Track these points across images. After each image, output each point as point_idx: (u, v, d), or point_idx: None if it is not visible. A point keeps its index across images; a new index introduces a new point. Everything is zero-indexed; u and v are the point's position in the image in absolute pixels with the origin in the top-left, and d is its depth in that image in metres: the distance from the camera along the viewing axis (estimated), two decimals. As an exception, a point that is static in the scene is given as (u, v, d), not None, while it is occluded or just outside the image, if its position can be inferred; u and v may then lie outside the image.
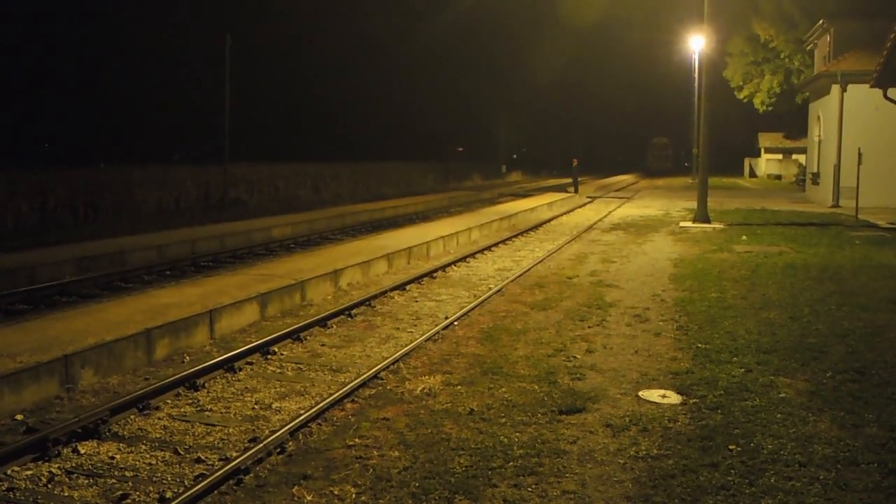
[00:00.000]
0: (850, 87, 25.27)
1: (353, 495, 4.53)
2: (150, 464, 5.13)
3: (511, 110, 79.04)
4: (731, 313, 9.25)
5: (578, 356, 7.43)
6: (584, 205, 30.91)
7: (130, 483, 4.81)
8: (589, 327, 8.65)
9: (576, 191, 37.80)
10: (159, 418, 6.00)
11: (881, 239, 16.97)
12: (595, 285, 11.31)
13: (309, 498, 4.52)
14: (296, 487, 4.66)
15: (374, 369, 6.97)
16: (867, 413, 5.81)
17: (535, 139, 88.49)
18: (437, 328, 8.63)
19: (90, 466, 5.09)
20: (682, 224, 20.74)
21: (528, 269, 13.06)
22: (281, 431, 5.42)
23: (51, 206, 21.41)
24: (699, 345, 7.79)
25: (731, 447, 5.17)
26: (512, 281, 11.89)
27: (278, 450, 5.23)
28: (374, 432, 5.52)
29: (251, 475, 4.86)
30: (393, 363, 7.23)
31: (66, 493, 4.70)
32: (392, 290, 11.11)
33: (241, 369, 7.26)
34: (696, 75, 46.06)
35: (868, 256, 14.11)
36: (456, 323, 8.98)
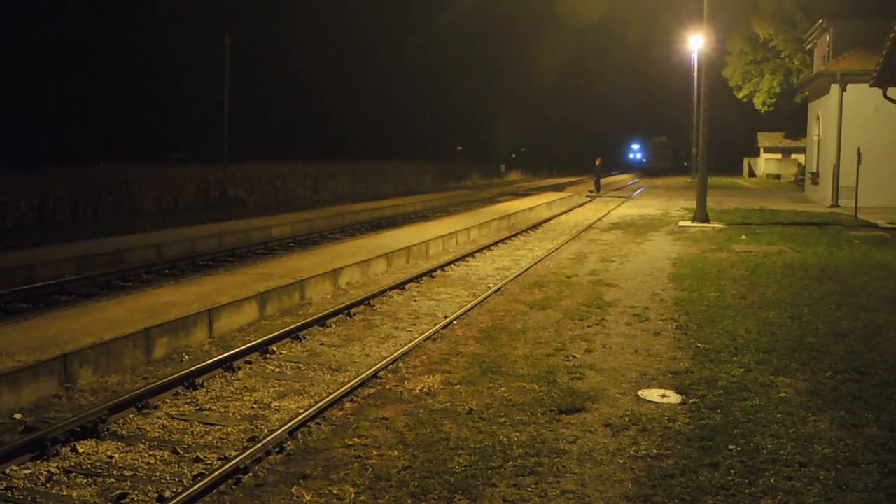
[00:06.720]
0: (849, 86, 25.28)
1: (353, 495, 4.53)
2: (148, 463, 5.12)
3: (510, 110, 79.02)
4: (731, 313, 9.25)
5: (578, 355, 7.42)
6: (583, 204, 30.90)
7: (129, 482, 4.80)
8: (588, 327, 8.65)
9: (598, 190, 37.19)
10: (158, 417, 5.99)
11: (880, 238, 16.98)
12: (594, 284, 11.31)
13: (308, 497, 4.51)
14: (295, 487, 4.65)
15: (373, 368, 6.97)
16: (867, 413, 5.81)
17: (534, 139, 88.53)
18: (436, 327, 8.62)
19: (89, 466, 5.08)
20: (681, 223, 20.74)
21: (528, 269, 13.06)
22: (280, 431, 5.41)
23: (50, 204, 21.38)
24: (698, 344, 7.79)
25: (730, 447, 5.16)
26: (511, 280, 11.89)
27: (277, 449, 5.22)
28: (373, 432, 5.51)
29: (250, 474, 4.85)
30: (392, 362, 7.22)
31: (64, 493, 4.69)
32: (391, 289, 11.10)
33: (239, 368, 7.25)
34: (696, 75, 46.14)
35: (867, 256, 14.12)
36: (455, 322, 8.98)
